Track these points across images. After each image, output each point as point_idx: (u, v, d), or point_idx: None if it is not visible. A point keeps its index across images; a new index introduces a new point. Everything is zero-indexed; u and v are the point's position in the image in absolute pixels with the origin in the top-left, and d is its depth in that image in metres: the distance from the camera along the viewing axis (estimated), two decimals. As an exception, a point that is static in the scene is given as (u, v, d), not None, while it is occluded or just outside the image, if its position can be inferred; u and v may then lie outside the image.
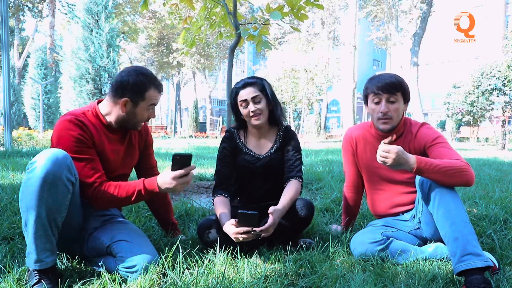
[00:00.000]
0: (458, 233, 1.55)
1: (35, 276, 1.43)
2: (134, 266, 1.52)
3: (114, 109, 1.68)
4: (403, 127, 1.93)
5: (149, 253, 1.58)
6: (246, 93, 1.97)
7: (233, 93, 2.03)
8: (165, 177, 1.54)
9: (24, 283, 1.45)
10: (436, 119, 30.32)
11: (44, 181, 1.36)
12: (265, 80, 2.04)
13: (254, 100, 1.96)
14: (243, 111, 1.99)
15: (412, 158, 1.58)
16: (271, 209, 1.74)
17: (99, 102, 1.73)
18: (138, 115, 1.69)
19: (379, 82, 1.84)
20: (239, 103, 2.00)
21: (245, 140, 2.11)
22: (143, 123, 1.79)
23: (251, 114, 1.96)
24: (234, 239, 1.71)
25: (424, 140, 1.85)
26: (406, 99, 1.89)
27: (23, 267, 1.53)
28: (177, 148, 9.93)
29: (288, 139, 2.09)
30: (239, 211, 1.67)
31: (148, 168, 1.98)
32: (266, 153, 2.07)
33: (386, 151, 1.56)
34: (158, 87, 1.71)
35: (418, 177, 1.75)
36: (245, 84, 1.99)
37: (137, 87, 1.63)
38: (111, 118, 1.70)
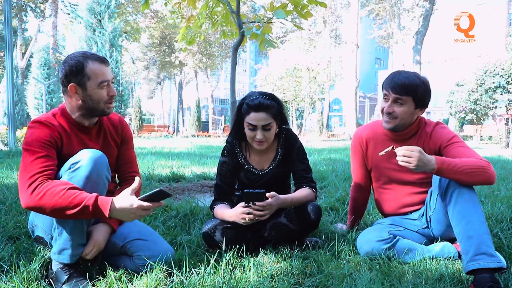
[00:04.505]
0: (473, 231, 1.53)
1: (65, 272, 1.48)
2: (154, 263, 1.55)
3: (71, 103, 1.60)
4: (417, 128, 1.90)
5: (166, 250, 1.62)
6: (257, 119, 1.78)
7: (244, 109, 1.84)
8: (127, 202, 1.39)
9: (47, 282, 1.50)
10: (438, 117, 30.25)
11: (88, 180, 1.43)
12: (279, 99, 1.88)
13: (265, 127, 1.80)
14: (248, 133, 1.84)
15: (432, 159, 1.56)
16: (271, 193, 1.73)
17: None
18: (94, 96, 1.58)
19: (392, 80, 1.79)
20: (245, 124, 1.84)
21: (247, 154, 2.00)
22: (112, 106, 1.66)
23: (256, 139, 1.84)
24: (242, 222, 1.71)
25: (440, 140, 1.82)
26: (419, 104, 1.81)
27: (29, 267, 1.53)
28: (180, 147, 9.93)
29: (289, 146, 1.98)
30: (245, 190, 1.69)
31: (124, 164, 1.85)
32: (269, 166, 1.98)
33: (410, 151, 1.54)
34: (98, 59, 1.59)
35: None
36: (259, 106, 1.78)
37: (74, 68, 1.55)
38: (76, 114, 1.63)
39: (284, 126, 1.97)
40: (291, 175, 2.08)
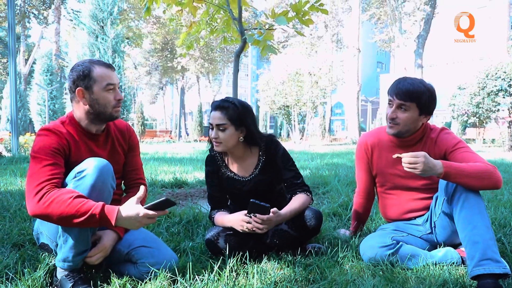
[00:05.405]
0: (478, 237, 1.54)
1: (70, 279, 1.49)
2: (158, 270, 1.56)
3: (79, 108, 1.64)
4: (422, 134, 1.90)
5: (170, 257, 1.64)
6: (213, 117, 1.84)
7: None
8: (133, 211, 1.40)
9: None
10: (441, 121, 30.17)
11: (94, 188, 1.44)
12: (243, 105, 1.87)
13: (218, 127, 1.83)
14: (210, 132, 1.90)
15: (439, 163, 1.57)
16: (274, 209, 1.73)
17: None
18: (101, 100, 1.61)
19: (397, 87, 1.80)
20: None
21: (227, 161, 2.00)
22: (119, 110, 1.69)
23: (212, 137, 1.87)
24: (239, 228, 1.73)
25: (445, 146, 1.83)
26: (423, 111, 1.80)
27: (34, 274, 1.54)
28: (182, 152, 9.94)
29: (271, 156, 1.95)
30: (250, 200, 1.70)
31: (131, 171, 1.86)
32: (251, 174, 1.97)
33: (415, 157, 1.55)
34: (104, 64, 1.64)
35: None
36: (217, 106, 1.85)
37: (81, 73, 1.59)
38: (84, 121, 1.65)
39: (253, 133, 1.90)
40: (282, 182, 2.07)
